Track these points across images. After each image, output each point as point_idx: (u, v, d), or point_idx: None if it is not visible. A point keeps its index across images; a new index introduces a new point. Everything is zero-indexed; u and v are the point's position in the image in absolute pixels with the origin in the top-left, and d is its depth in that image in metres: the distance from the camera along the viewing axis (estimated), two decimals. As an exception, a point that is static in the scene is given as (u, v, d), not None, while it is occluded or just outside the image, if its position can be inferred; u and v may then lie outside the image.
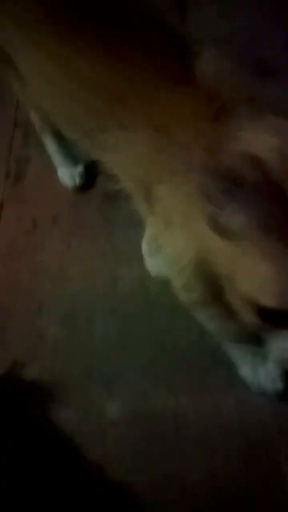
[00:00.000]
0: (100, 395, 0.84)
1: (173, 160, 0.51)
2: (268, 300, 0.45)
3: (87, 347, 0.89)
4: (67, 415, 0.82)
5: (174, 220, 0.56)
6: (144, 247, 0.91)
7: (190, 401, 0.82)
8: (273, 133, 0.46)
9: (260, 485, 0.75)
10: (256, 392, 0.80)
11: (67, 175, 1.05)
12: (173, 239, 0.58)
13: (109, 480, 0.77)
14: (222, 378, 0.82)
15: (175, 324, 0.88)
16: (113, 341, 0.89)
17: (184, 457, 0.78)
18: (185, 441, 0.79)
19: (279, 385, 0.78)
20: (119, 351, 0.88)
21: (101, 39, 0.60)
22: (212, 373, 0.83)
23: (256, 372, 0.78)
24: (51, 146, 1.03)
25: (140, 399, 0.83)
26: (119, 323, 0.90)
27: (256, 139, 0.46)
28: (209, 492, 0.75)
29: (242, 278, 0.47)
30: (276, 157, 0.43)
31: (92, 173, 1.07)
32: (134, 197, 0.66)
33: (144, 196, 0.61)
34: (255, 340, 0.72)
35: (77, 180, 1.05)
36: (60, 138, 1.00)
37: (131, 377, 0.85)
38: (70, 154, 1.04)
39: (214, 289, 0.55)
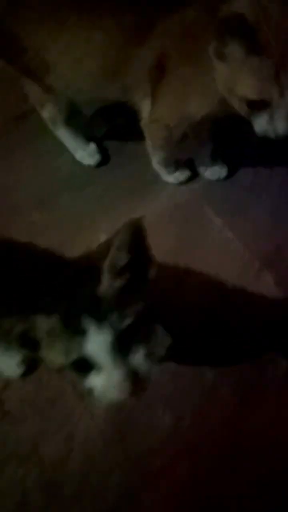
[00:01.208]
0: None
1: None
2: (252, 94, 0.80)
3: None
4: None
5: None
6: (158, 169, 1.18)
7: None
8: None
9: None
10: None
11: (86, 155, 1.20)
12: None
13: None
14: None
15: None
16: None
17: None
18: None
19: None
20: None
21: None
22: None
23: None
24: (65, 135, 1.18)
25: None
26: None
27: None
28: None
29: (238, 87, 0.80)
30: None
31: (102, 149, 1.23)
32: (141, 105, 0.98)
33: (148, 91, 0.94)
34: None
35: (96, 157, 1.20)
36: (71, 125, 1.16)
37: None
38: (82, 137, 1.19)
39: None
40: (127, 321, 0.60)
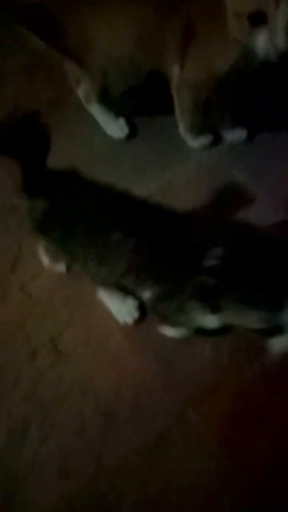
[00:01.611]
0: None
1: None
2: (251, 5, 0.87)
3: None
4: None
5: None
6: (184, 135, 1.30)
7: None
8: None
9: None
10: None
11: (117, 129, 1.32)
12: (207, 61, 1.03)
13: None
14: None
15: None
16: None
17: None
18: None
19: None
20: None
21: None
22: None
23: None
24: (98, 111, 1.31)
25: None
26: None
27: None
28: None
29: (240, 5, 0.89)
30: None
31: (131, 123, 1.35)
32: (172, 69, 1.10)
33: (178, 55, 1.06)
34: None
35: (126, 130, 1.32)
36: (103, 102, 1.28)
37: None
38: (112, 113, 1.32)
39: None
40: None
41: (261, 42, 0.91)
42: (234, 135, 1.28)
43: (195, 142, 1.28)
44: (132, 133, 1.35)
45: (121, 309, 1.10)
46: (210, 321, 0.88)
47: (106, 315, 1.11)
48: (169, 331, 1.03)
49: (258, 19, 0.87)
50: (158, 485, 0.95)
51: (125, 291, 1.05)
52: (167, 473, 0.96)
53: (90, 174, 1.34)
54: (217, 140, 1.30)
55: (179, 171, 1.29)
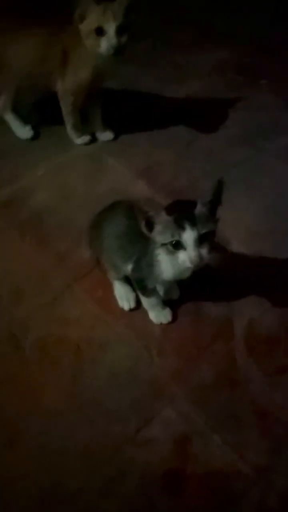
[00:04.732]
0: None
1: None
2: (95, 23, 1.55)
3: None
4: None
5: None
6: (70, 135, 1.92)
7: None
8: None
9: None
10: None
11: (25, 132, 1.93)
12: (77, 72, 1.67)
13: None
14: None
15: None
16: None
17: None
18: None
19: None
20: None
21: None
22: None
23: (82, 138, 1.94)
24: (11, 119, 1.92)
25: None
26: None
27: None
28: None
29: (89, 26, 1.55)
30: None
31: (35, 130, 1.96)
32: (57, 83, 1.72)
33: (60, 73, 1.69)
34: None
35: (31, 133, 1.94)
36: (15, 112, 1.90)
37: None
38: (21, 120, 1.94)
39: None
40: (205, 230, 1.11)
41: (104, 45, 1.53)
42: (104, 136, 1.94)
43: (78, 140, 1.92)
44: (35, 136, 1.95)
45: (123, 297, 1.46)
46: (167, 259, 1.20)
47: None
48: (152, 311, 1.41)
49: (100, 31, 1.52)
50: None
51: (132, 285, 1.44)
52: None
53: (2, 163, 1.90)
54: (93, 139, 1.95)
55: (69, 157, 1.89)
